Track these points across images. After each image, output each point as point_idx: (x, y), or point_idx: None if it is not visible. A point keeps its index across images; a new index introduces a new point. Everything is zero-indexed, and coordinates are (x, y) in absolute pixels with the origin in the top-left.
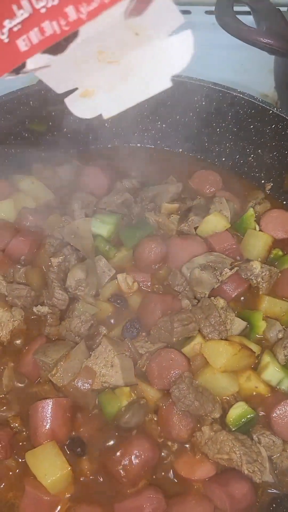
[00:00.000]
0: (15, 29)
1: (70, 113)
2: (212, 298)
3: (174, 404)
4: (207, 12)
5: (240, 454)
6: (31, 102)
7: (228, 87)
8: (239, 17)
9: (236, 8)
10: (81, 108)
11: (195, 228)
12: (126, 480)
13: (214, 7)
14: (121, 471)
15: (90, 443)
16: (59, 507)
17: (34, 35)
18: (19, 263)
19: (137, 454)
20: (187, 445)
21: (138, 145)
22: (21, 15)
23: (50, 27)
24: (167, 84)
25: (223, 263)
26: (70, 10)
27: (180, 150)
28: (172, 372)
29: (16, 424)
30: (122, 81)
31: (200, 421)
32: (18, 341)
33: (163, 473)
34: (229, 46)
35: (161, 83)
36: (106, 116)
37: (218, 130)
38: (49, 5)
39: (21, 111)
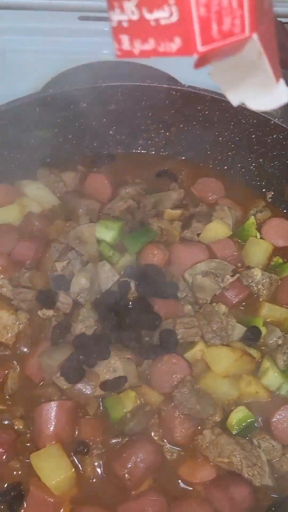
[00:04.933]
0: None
1: (75, 120)
2: (214, 304)
3: (176, 407)
4: None
5: (240, 458)
6: (37, 109)
7: None
8: None
9: None
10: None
11: (198, 235)
12: (130, 483)
13: None
14: (126, 474)
15: (93, 446)
16: (62, 509)
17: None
18: (24, 267)
19: (142, 457)
20: (190, 447)
21: (142, 152)
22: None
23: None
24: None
25: (224, 270)
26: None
27: (183, 157)
28: (174, 376)
29: (20, 426)
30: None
31: (201, 424)
32: (23, 344)
33: (165, 476)
34: None
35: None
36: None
37: (220, 139)
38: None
39: (27, 117)
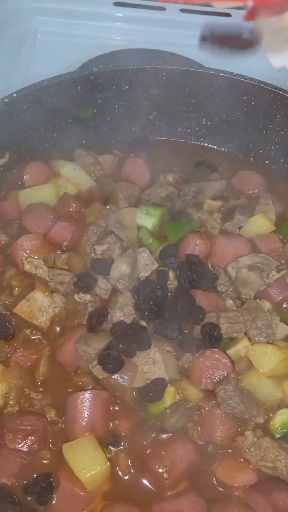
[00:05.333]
0: None
1: (115, 102)
2: (258, 300)
3: (219, 405)
4: None
5: (285, 463)
6: (78, 87)
7: (281, 88)
8: None
9: None
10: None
11: (239, 228)
12: (168, 482)
13: None
14: (164, 472)
15: (127, 440)
16: (94, 504)
17: None
18: (60, 249)
19: (181, 456)
20: (229, 450)
21: (181, 140)
22: None
23: None
24: None
25: (269, 265)
26: None
27: (223, 149)
28: (216, 372)
29: (52, 415)
30: None
31: (242, 425)
32: (57, 329)
33: (202, 477)
34: None
35: None
36: None
37: (264, 132)
38: None
39: (67, 95)
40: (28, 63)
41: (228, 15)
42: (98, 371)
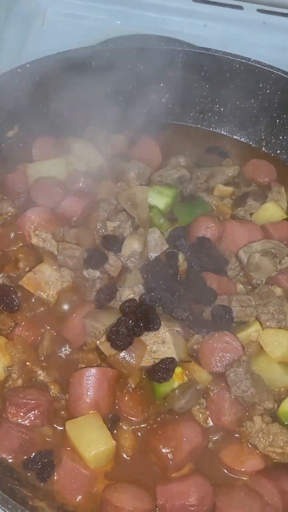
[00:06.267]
0: None
1: (129, 82)
2: (269, 285)
3: (228, 388)
4: (259, 11)
5: None
6: (93, 63)
7: None
8: None
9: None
10: None
11: (250, 215)
12: (172, 463)
13: (267, 6)
14: (168, 453)
15: (131, 420)
16: (95, 483)
17: None
18: (70, 224)
19: (188, 438)
20: (235, 435)
21: (192, 125)
22: None
23: None
24: None
25: (281, 252)
26: None
27: (235, 136)
28: (226, 355)
29: (56, 391)
30: None
31: (249, 410)
32: (64, 303)
33: (207, 461)
34: (277, 46)
35: None
36: None
37: (277, 121)
38: None
39: (81, 70)
40: (36, 42)
41: (240, 8)
42: (106, 348)
